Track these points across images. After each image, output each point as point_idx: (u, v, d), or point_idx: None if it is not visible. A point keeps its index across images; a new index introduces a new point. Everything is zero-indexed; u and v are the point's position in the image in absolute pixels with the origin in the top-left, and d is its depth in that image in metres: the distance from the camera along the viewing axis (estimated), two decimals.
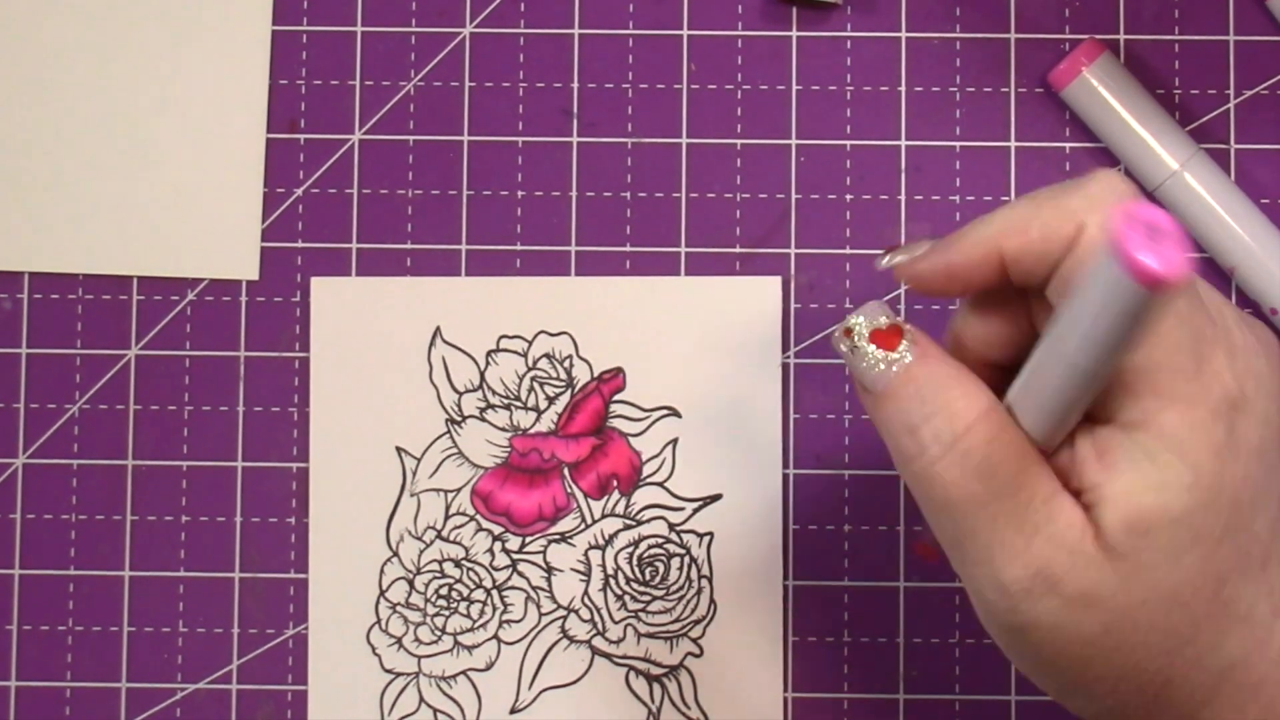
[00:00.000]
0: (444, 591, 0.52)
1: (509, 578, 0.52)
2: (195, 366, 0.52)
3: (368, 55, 0.53)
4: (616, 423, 0.52)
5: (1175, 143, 0.51)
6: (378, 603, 0.52)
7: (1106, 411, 0.37)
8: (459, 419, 0.52)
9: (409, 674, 0.52)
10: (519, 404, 0.52)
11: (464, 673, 0.52)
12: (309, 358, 0.52)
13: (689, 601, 0.51)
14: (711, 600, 0.51)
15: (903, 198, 0.52)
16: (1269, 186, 0.52)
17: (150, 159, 0.53)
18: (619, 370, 0.52)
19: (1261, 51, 0.52)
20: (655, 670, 0.51)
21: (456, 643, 0.52)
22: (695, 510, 0.51)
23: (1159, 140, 0.51)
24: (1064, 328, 0.35)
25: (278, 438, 0.52)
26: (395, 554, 0.52)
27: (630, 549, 0.51)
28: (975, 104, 0.52)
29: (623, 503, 0.52)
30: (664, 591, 0.51)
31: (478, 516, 0.52)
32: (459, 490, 0.52)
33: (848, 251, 0.52)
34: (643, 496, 0.52)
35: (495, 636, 0.51)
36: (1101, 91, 0.51)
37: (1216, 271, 0.51)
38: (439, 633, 0.52)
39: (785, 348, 0.52)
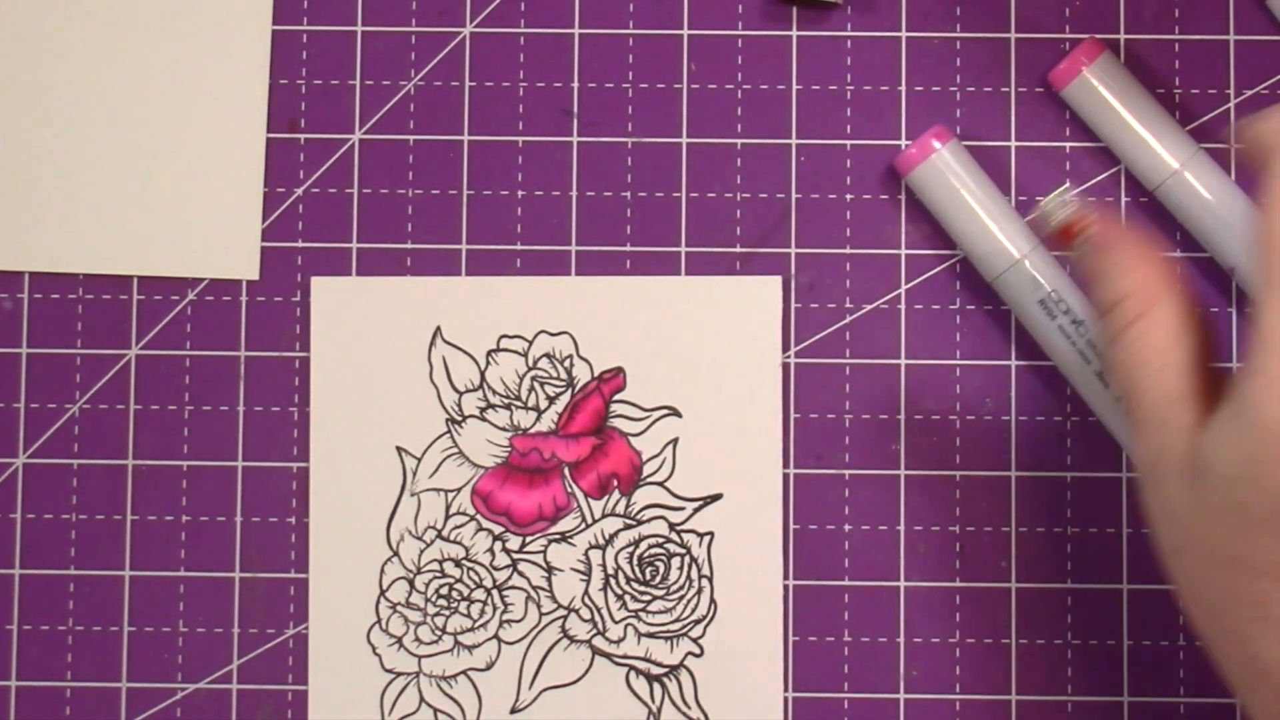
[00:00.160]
0: (444, 591, 0.52)
1: (509, 577, 0.52)
2: (195, 366, 0.52)
3: (368, 55, 0.53)
4: (617, 422, 0.52)
5: (1175, 143, 0.51)
6: (378, 602, 0.52)
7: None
8: (459, 419, 0.52)
9: (409, 674, 0.52)
10: (519, 404, 0.52)
11: (464, 672, 0.52)
12: (309, 358, 0.52)
13: (689, 601, 0.51)
14: (712, 600, 0.51)
15: (903, 198, 0.52)
16: None
17: (150, 159, 0.53)
18: (619, 370, 0.52)
19: (1261, 51, 0.52)
20: (655, 670, 0.51)
21: (457, 642, 0.52)
22: (695, 510, 0.51)
23: (1159, 140, 0.51)
24: None
25: (278, 438, 0.52)
26: (395, 554, 0.52)
27: (630, 549, 0.51)
28: (975, 104, 0.52)
29: (623, 502, 0.52)
30: (664, 591, 0.51)
31: (478, 516, 0.52)
32: (459, 490, 0.52)
33: (848, 251, 0.52)
34: (643, 496, 0.52)
35: (495, 636, 0.51)
36: (1101, 91, 0.51)
37: (1217, 271, 0.51)
38: (439, 632, 0.52)
39: (785, 348, 0.52)
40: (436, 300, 0.52)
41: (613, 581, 0.51)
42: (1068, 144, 0.52)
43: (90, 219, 0.53)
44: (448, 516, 0.52)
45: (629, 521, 0.51)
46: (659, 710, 0.51)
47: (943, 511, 0.51)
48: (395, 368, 0.52)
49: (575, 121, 0.53)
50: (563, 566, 0.51)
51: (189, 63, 0.53)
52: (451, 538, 0.52)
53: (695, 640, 0.51)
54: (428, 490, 0.52)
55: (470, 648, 0.52)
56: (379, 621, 0.52)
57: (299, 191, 0.53)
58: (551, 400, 0.52)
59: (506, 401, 0.52)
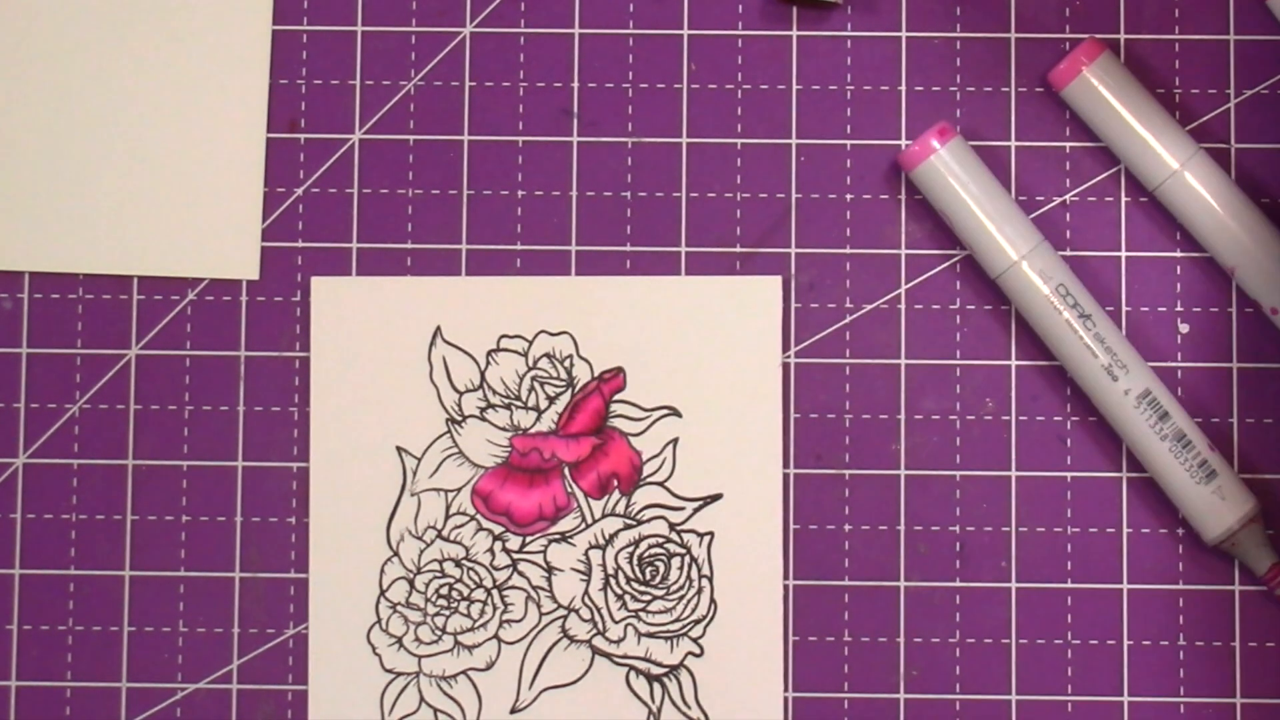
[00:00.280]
0: (444, 591, 0.52)
1: (509, 577, 0.52)
2: (195, 366, 0.52)
3: (368, 55, 0.53)
4: (617, 422, 0.52)
5: (1175, 143, 0.51)
6: (378, 602, 0.52)
7: None
8: (459, 419, 0.52)
9: (409, 674, 0.52)
10: (519, 403, 0.52)
11: (464, 672, 0.52)
12: (309, 358, 0.52)
13: (689, 601, 0.51)
14: (712, 600, 0.51)
15: (903, 198, 0.52)
16: (1269, 186, 0.52)
17: (150, 159, 0.53)
18: (619, 370, 0.52)
19: (1261, 51, 0.52)
20: (655, 670, 0.51)
21: (457, 642, 0.52)
22: (695, 510, 0.51)
23: (1159, 140, 0.51)
24: None
25: (278, 438, 0.52)
26: (395, 553, 0.52)
27: (630, 548, 0.51)
28: (975, 104, 0.52)
29: (623, 502, 0.52)
30: (664, 591, 0.51)
31: (478, 516, 0.52)
32: (459, 490, 0.52)
33: (848, 251, 0.52)
34: (643, 496, 0.52)
35: (495, 636, 0.51)
36: (1101, 91, 0.51)
37: (1217, 271, 0.51)
38: (439, 632, 0.52)
39: (785, 348, 0.52)
40: (436, 300, 0.52)
41: (613, 581, 0.51)
42: (1068, 144, 0.52)
43: (90, 219, 0.53)
44: (448, 516, 0.52)
45: (629, 521, 0.51)
46: (659, 710, 0.51)
47: (943, 511, 0.51)
48: (395, 368, 0.52)
49: (575, 121, 0.53)
50: (563, 566, 0.51)
51: (189, 63, 0.53)
52: (451, 538, 0.52)
53: (695, 640, 0.51)
54: (428, 490, 0.52)
55: (470, 648, 0.52)
56: (379, 621, 0.52)
57: (299, 191, 0.53)
58: (551, 400, 0.52)
59: (506, 401, 0.52)
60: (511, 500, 0.52)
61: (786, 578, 0.51)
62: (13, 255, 0.53)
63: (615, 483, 0.52)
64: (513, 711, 0.51)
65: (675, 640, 0.51)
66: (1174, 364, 0.51)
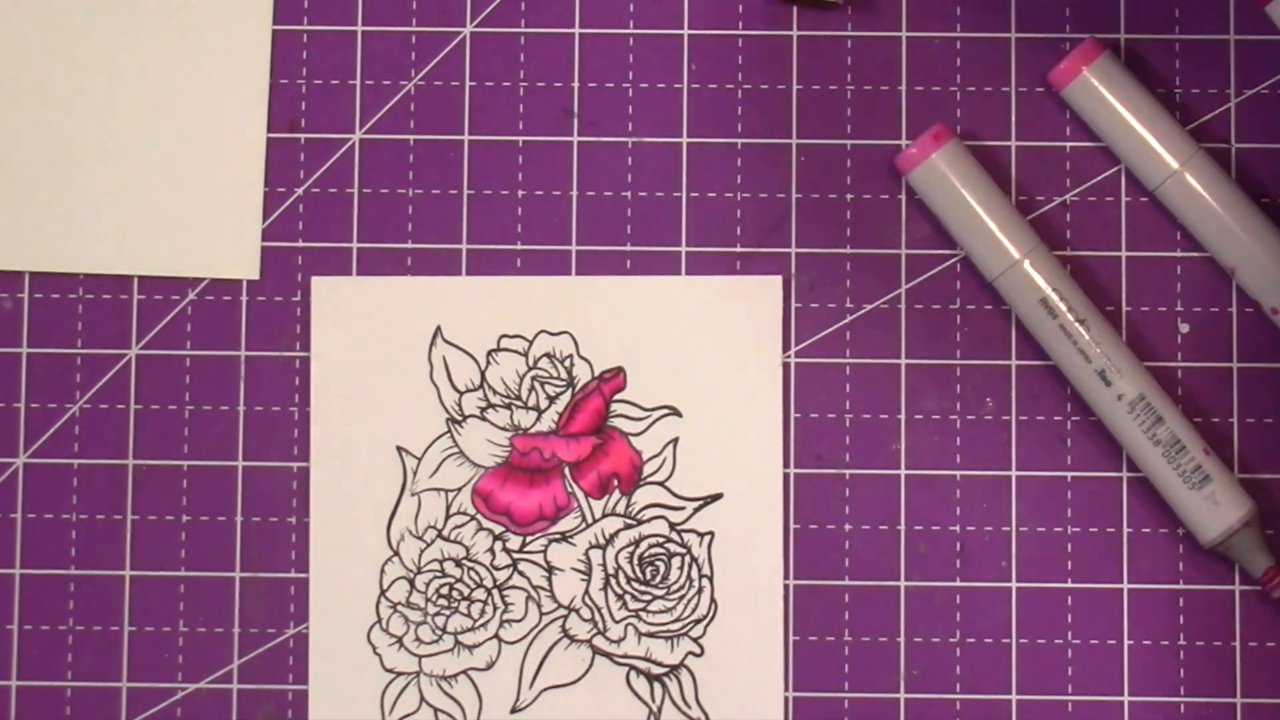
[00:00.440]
0: (445, 591, 0.52)
1: (509, 577, 0.52)
2: (195, 366, 0.52)
3: (368, 55, 0.53)
4: (617, 422, 0.52)
5: (1175, 143, 0.51)
6: (378, 602, 0.52)
7: None
8: (459, 418, 0.52)
9: (409, 673, 0.52)
10: (519, 403, 0.52)
11: (464, 672, 0.52)
12: (309, 357, 0.52)
13: (689, 601, 0.51)
14: (712, 600, 0.51)
15: (903, 198, 0.52)
16: (1269, 186, 0.52)
17: (150, 159, 0.53)
18: (619, 370, 0.52)
19: (1261, 51, 0.52)
20: (656, 670, 0.51)
21: (457, 642, 0.52)
22: (696, 510, 0.51)
23: (1159, 140, 0.51)
24: None
25: (278, 438, 0.52)
26: (396, 553, 0.52)
27: (631, 548, 0.51)
28: (975, 104, 0.52)
29: (623, 502, 0.52)
30: (664, 591, 0.51)
31: (478, 516, 0.52)
32: (460, 490, 0.52)
33: (848, 251, 0.52)
34: (643, 496, 0.52)
35: (496, 636, 0.51)
36: (1101, 91, 0.51)
37: (1216, 271, 0.51)
38: (440, 632, 0.52)
39: (785, 348, 0.52)
40: (436, 300, 0.52)
41: (613, 581, 0.51)
42: (1068, 144, 0.52)
43: (90, 219, 0.53)
44: (448, 516, 0.52)
45: (629, 521, 0.51)
46: (659, 710, 0.51)
47: (943, 511, 0.51)
48: (395, 367, 0.52)
49: (575, 121, 0.53)
50: (563, 566, 0.51)
51: (189, 63, 0.53)
52: (452, 537, 0.52)
53: (695, 640, 0.51)
54: (428, 490, 0.52)
55: (470, 647, 0.52)
56: (379, 621, 0.52)
57: (299, 191, 0.53)
58: (552, 400, 0.52)
59: (507, 401, 0.52)
60: (512, 500, 0.52)
61: (786, 577, 0.51)
62: (13, 255, 0.53)
63: (615, 482, 0.52)
64: (513, 711, 0.51)
65: (675, 640, 0.51)
66: (1174, 364, 0.52)
